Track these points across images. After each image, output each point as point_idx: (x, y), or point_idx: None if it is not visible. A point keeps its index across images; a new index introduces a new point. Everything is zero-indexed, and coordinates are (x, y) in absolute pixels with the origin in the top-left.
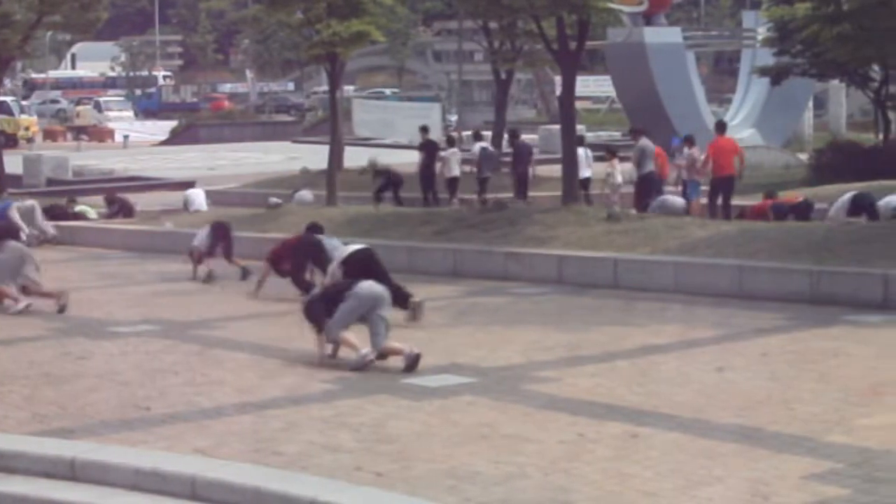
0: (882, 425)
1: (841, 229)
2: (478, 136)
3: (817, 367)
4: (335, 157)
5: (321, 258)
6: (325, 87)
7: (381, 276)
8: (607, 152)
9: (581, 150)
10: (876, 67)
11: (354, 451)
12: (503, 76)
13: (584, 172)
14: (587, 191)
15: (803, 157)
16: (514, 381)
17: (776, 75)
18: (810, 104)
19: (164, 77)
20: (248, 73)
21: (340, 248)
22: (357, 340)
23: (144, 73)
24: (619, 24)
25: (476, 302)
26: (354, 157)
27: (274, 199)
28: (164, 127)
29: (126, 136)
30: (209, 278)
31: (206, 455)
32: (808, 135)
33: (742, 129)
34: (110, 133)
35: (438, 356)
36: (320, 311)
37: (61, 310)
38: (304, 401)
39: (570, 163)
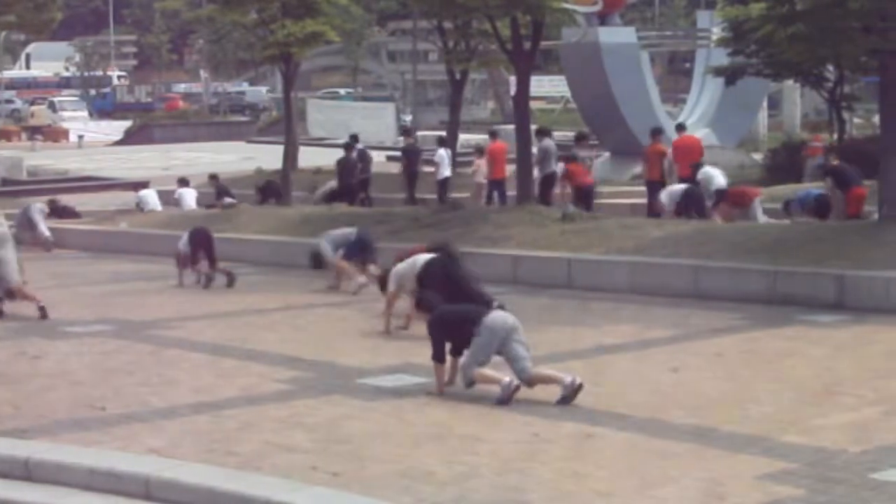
0: (836, 425)
1: (796, 229)
2: (442, 141)
3: (772, 368)
4: (290, 157)
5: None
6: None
7: (471, 285)
8: (475, 152)
9: (443, 151)
10: (830, 67)
11: (309, 451)
12: (458, 76)
13: (444, 172)
14: (445, 192)
15: (758, 157)
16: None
17: (730, 75)
18: (765, 104)
19: (119, 77)
20: (203, 74)
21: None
22: (495, 373)
23: (99, 73)
24: (573, 24)
25: None
26: (309, 158)
27: (228, 199)
28: (118, 127)
29: (81, 137)
30: (206, 283)
31: (160, 455)
32: (762, 135)
33: (697, 129)
34: (65, 133)
35: (392, 356)
36: (442, 340)
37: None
38: (259, 401)
39: (524, 163)
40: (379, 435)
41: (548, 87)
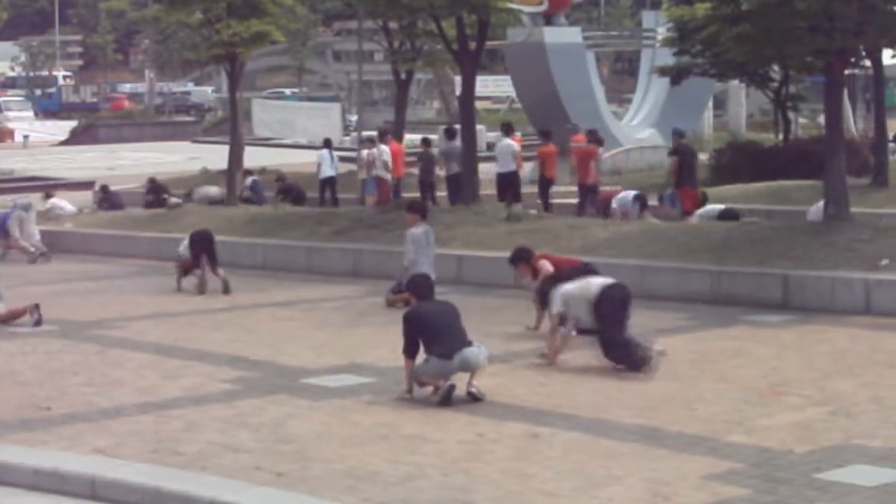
0: (782, 425)
1: (741, 229)
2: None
3: (718, 367)
4: (235, 157)
5: None
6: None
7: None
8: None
9: (325, 152)
10: (776, 67)
11: (254, 451)
12: (403, 76)
13: (327, 172)
14: (334, 192)
15: (703, 157)
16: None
17: (676, 75)
18: (710, 104)
19: (65, 77)
20: (148, 74)
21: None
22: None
23: (44, 73)
24: (518, 24)
25: (376, 302)
26: (254, 158)
27: (174, 199)
28: (64, 127)
29: (26, 136)
30: (202, 288)
31: (106, 455)
32: (707, 135)
33: (642, 129)
34: (10, 133)
35: (337, 356)
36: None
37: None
38: (204, 401)
39: (469, 163)
40: (323, 435)
41: (493, 87)
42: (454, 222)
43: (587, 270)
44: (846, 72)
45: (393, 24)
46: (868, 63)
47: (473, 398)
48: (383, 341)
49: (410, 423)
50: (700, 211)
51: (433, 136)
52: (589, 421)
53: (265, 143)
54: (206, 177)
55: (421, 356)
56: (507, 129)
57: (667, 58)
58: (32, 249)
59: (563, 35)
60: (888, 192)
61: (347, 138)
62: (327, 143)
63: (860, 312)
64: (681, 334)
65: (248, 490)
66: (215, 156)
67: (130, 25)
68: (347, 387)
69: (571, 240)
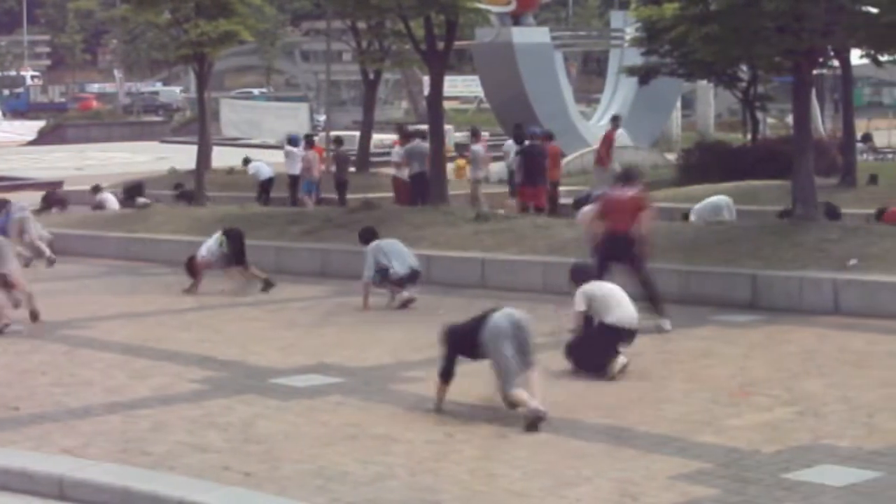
0: (751, 425)
1: (710, 229)
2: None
3: (686, 367)
4: (203, 156)
5: None
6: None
7: None
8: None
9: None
10: (744, 67)
11: (223, 451)
12: (371, 76)
13: (266, 173)
14: (268, 194)
15: (671, 157)
16: (383, 381)
17: (644, 75)
18: (678, 104)
19: (33, 77)
20: (117, 73)
21: None
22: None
23: (12, 73)
24: (487, 24)
25: (344, 302)
26: (222, 157)
27: (141, 200)
28: (32, 127)
29: None
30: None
31: (74, 455)
32: (676, 135)
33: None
34: None
35: (306, 356)
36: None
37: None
38: (172, 401)
39: (437, 163)
40: (292, 435)
41: (461, 87)
42: (422, 223)
43: None
44: (814, 72)
45: (361, 24)
46: (836, 63)
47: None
48: (351, 341)
49: (379, 423)
50: (697, 206)
51: (356, 133)
52: (557, 421)
53: (233, 142)
54: (175, 176)
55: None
56: (413, 134)
57: (635, 58)
58: (48, 252)
59: (531, 35)
60: (856, 191)
61: (316, 138)
62: (308, 142)
63: (828, 312)
64: (650, 334)
65: (216, 490)
66: (183, 156)
67: (99, 25)
68: (316, 387)
69: (537, 240)
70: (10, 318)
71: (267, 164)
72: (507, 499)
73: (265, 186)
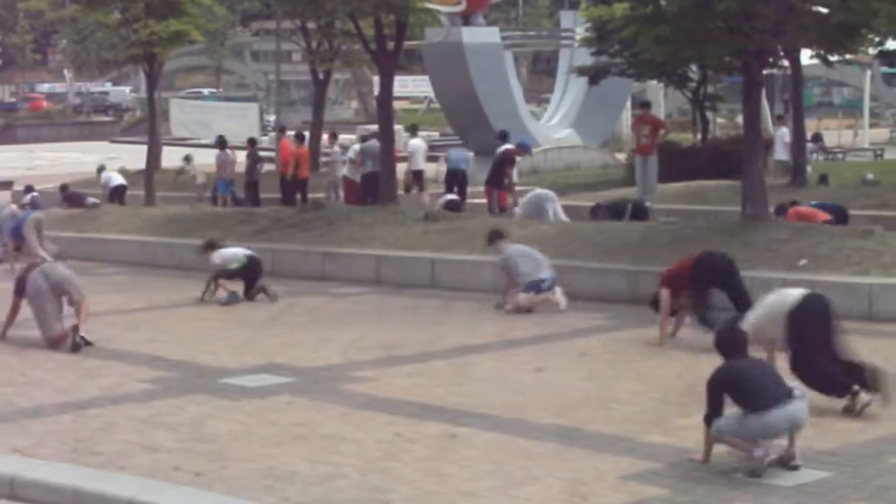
0: (700, 425)
1: (660, 229)
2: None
3: (636, 368)
4: (153, 156)
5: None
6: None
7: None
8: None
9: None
10: (694, 67)
11: (173, 451)
12: (321, 76)
13: (117, 181)
14: (121, 200)
15: (621, 157)
16: (333, 380)
17: (594, 75)
18: (628, 104)
19: None
20: (67, 74)
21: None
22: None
23: None
24: (437, 24)
25: (294, 302)
26: (172, 157)
27: (92, 199)
28: None
29: None
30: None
31: (24, 455)
32: (626, 135)
33: (560, 129)
34: None
35: (256, 356)
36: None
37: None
38: (122, 400)
39: (388, 162)
40: (242, 435)
41: (411, 87)
42: (372, 222)
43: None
44: (764, 72)
45: (311, 25)
46: (786, 63)
47: (789, 466)
48: (302, 341)
49: (329, 423)
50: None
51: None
52: (507, 421)
53: (182, 142)
54: (125, 177)
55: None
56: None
57: (585, 58)
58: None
59: (481, 35)
60: (806, 191)
61: (265, 138)
62: (221, 144)
63: None
64: (598, 334)
65: (166, 490)
66: (133, 156)
67: (49, 25)
68: (266, 387)
69: None
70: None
71: (118, 172)
72: (457, 499)
73: (116, 193)
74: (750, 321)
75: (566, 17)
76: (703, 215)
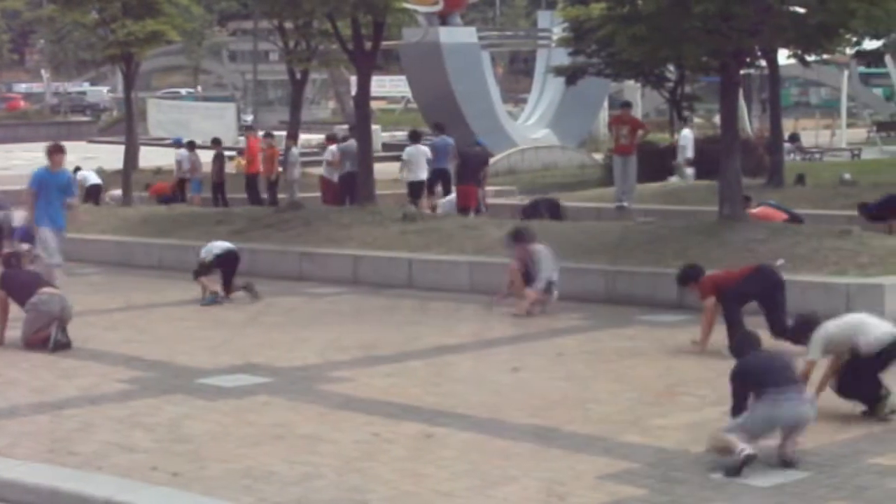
0: (677, 425)
1: (637, 229)
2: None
3: (613, 368)
4: (130, 157)
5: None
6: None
7: None
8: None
9: (184, 151)
10: (671, 67)
11: (150, 451)
12: (298, 76)
13: (92, 180)
14: (95, 199)
15: (598, 157)
16: (310, 381)
17: (571, 75)
18: (605, 104)
19: None
20: (44, 74)
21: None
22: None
23: None
24: (414, 24)
25: (271, 302)
26: (149, 157)
27: (69, 200)
28: None
29: None
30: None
31: (1, 455)
32: (603, 135)
33: (537, 129)
34: None
35: (233, 356)
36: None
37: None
38: (99, 401)
39: (365, 163)
40: (219, 435)
41: (389, 86)
42: (350, 222)
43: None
44: (742, 72)
45: (288, 24)
46: (763, 63)
47: (787, 463)
48: (279, 341)
49: (306, 423)
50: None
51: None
52: (484, 421)
53: (160, 142)
54: (102, 177)
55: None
56: (335, 139)
57: (562, 58)
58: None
59: (458, 35)
60: (783, 191)
61: (242, 138)
62: (190, 145)
63: (756, 312)
64: (576, 334)
65: (144, 490)
66: (111, 156)
67: (26, 25)
68: (243, 387)
69: (465, 240)
70: None
71: (96, 172)
72: (434, 499)
73: (92, 192)
74: (829, 331)
75: (543, 17)
76: (681, 215)
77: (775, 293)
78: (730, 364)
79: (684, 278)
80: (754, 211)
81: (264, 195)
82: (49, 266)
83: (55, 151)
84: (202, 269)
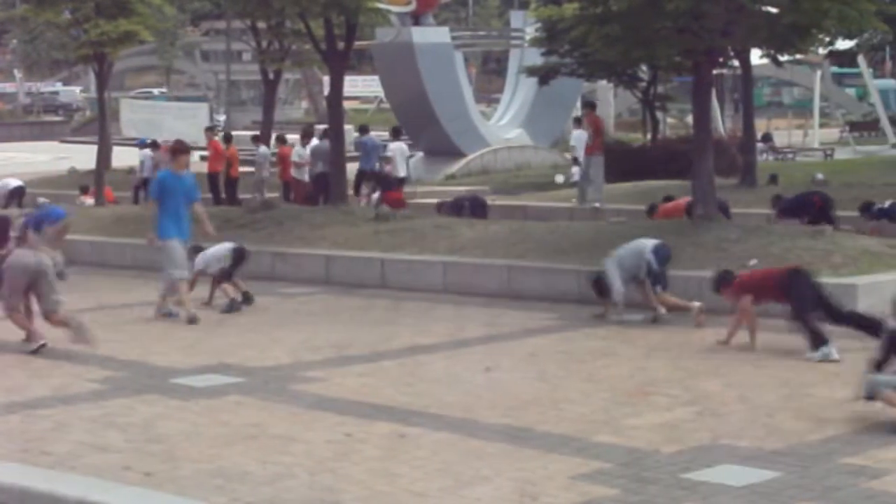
0: (650, 425)
1: (610, 229)
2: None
3: (586, 368)
4: (103, 156)
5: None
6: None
7: None
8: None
9: (148, 151)
10: (644, 67)
11: (123, 451)
12: (271, 76)
13: (13, 184)
14: (18, 202)
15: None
16: (282, 381)
17: (544, 75)
18: (578, 104)
19: None
20: (17, 73)
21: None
22: None
23: None
24: (387, 24)
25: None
26: (122, 157)
27: (40, 199)
28: None
29: None
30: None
31: None
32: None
33: (510, 129)
34: None
35: (206, 356)
36: None
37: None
38: (72, 400)
39: (337, 162)
40: (193, 435)
41: (362, 86)
42: (322, 222)
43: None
44: (714, 71)
45: (261, 24)
46: (736, 63)
47: None
48: (252, 341)
49: (279, 423)
50: None
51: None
52: (456, 421)
53: (133, 142)
54: (75, 177)
55: None
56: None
57: (535, 58)
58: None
59: (431, 35)
60: (756, 191)
61: (216, 138)
62: (153, 145)
63: (728, 312)
64: (549, 334)
65: (117, 490)
66: (84, 156)
67: None
68: (216, 387)
69: (437, 240)
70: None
71: (15, 178)
72: (407, 499)
73: (14, 194)
74: None
75: (516, 17)
76: None
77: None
78: (704, 367)
79: (717, 283)
80: (665, 206)
81: (223, 195)
82: (174, 280)
83: (180, 151)
84: (223, 275)
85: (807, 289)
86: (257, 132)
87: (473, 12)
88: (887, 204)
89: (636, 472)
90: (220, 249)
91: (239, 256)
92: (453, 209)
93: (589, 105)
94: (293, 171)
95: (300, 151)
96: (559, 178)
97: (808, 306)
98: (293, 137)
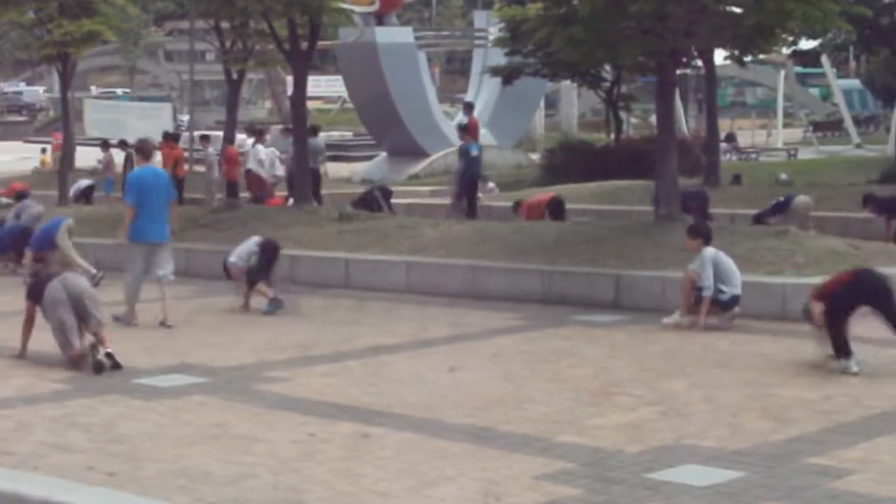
0: (614, 425)
1: (573, 229)
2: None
3: (550, 367)
4: (67, 156)
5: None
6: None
7: None
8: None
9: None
10: (608, 67)
11: (86, 451)
12: (235, 76)
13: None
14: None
15: (535, 156)
16: (246, 380)
17: (508, 75)
18: (542, 104)
19: None
20: None
21: None
22: None
23: None
24: (350, 24)
25: (208, 302)
26: (86, 157)
27: (4, 200)
28: None
29: None
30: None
31: None
32: (539, 134)
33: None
34: None
35: (169, 356)
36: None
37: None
38: (35, 401)
39: (301, 162)
40: (155, 434)
41: (325, 87)
42: (287, 222)
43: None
44: (678, 72)
45: (225, 24)
46: (700, 63)
47: None
48: (215, 341)
49: (242, 423)
50: None
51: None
52: (420, 421)
53: (96, 142)
54: (39, 177)
55: None
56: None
57: (499, 58)
58: (94, 271)
59: (394, 35)
60: (720, 191)
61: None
62: (104, 144)
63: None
64: (512, 334)
65: (80, 490)
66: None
67: None
68: (179, 387)
69: (401, 240)
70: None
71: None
72: (371, 499)
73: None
74: None
75: (479, 17)
76: (617, 215)
77: (887, 299)
78: (668, 367)
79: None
80: (529, 201)
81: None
82: (138, 284)
83: (153, 149)
84: (254, 275)
85: (867, 291)
86: (206, 132)
87: (437, 12)
88: None
89: (600, 472)
90: (247, 246)
91: (269, 252)
92: (364, 205)
93: (468, 105)
94: (253, 166)
95: (259, 149)
96: None
97: (842, 312)
98: (241, 137)
